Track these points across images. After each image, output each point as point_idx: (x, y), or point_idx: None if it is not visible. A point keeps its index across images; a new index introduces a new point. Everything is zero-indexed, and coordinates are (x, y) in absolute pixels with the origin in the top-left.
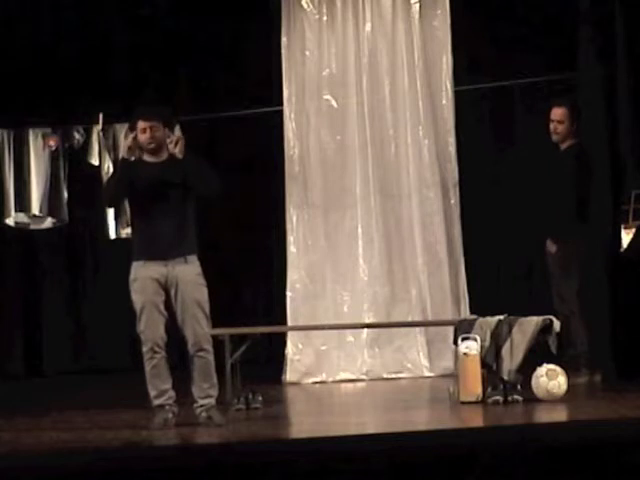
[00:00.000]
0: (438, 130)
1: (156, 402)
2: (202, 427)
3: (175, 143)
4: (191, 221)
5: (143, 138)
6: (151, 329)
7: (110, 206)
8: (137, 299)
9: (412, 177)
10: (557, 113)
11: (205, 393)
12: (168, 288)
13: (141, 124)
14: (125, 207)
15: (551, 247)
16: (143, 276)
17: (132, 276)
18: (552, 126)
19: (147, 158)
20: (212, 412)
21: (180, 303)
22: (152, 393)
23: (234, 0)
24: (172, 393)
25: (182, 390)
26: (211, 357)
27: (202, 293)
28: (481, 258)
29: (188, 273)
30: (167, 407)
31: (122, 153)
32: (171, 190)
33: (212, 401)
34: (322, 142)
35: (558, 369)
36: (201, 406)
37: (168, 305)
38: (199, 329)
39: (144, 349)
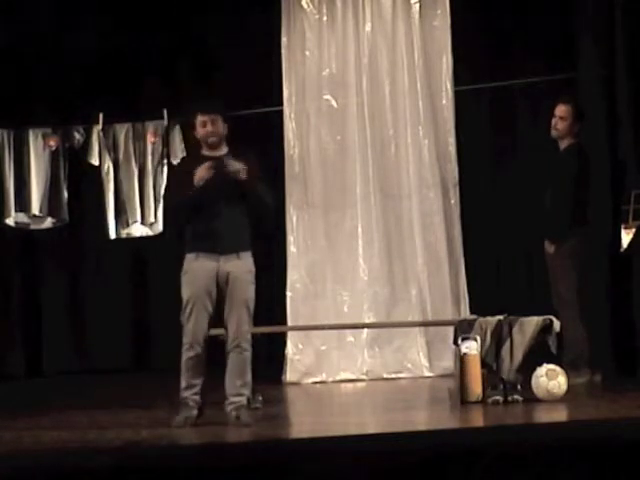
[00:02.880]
0: (438, 130)
1: (183, 394)
2: (202, 427)
3: (242, 172)
4: (246, 217)
5: (203, 132)
6: (193, 323)
7: (180, 222)
8: (185, 291)
9: (412, 177)
10: (560, 109)
11: (237, 391)
12: (219, 282)
13: (200, 117)
14: (125, 207)
15: (549, 248)
16: (195, 269)
17: (184, 268)
18: (553, 121)
19: (206, 152)
20: (241, 412)
21: (228, 299)
22: (182, 384)
23: (234, 0)
24: (198, 390)
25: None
26: (248, 354)
27: (250, 291)
28: (481, 258)
29: (239, 269)
30: (192, 404)
31: (196, 181)
32: (229, 185)
33: (243, 400)
34: (322, 142)
35: (558, 369)
36: (231, 403)
37: (218, 299)
38: (241, 327)
39: (184, 340)
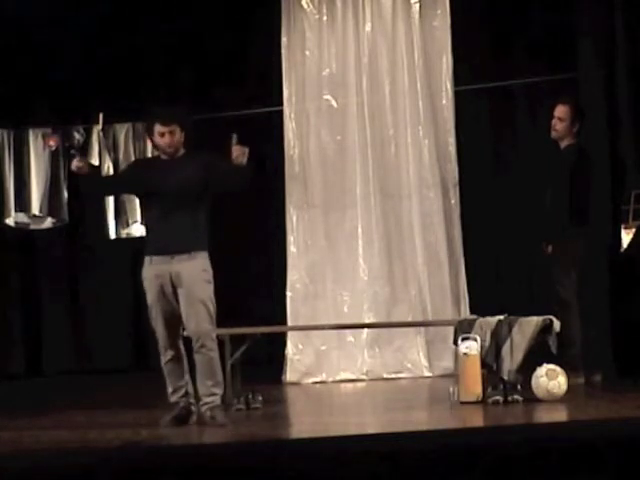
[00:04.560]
0: (438, 130)
1: (172, 398)
2: (202, 427)
3: (241, 154)
4: (202, 218)
5: (161, 142)
6: (159, 328)
7: (86, 194)
8: (147, 296)
9: (412, 177)
10: (559, 110)
11: (209, 391)
12: (174, 284)
13: (159, 128)
14: (125, 207)
15: (546, 248)
16: (150, 276)
17: (142, 273)
18: (552, 122)
19: (163, 156)
20: (215, 412)
21: (183, 300)
22: (169, 389)
23: (234, 0)
24: (185, 391)
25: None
26: (214, 354)
27: (205, 290)
28: (481, 258)
29: (192, 270)
30: (182, 404)
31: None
32: (185, 187)
33: (216, 399)
34: (322, 142)
35: (558, 369)
36: (205, 404)
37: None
38: (201, 327)
39: (158, 345)
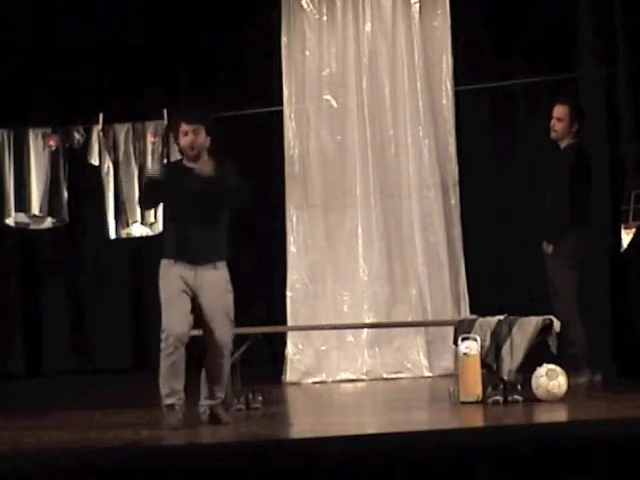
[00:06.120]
0: (438, 130)
1: (167, 401)
2: (202, 427)
3: (205, 166)
4: (224, 227)
5: (184, 142)
6: (173, 323)
7: (147, 209)
8: (163, 294)
9: (412, 177)
10: (558, 110)
11: (213, 395)
12: (195, 291)
13: (184, 127)
14: (125, 207)
15: (547, 248)
16: (169, 277)
17: (161, 273)
18: (552, 122)
19: (187, 163)
20: (218, 410)
21: (205, 309)
22: (164, 391)
23: (234, 0)
24: (182, 395)
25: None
26: (227, 363)
27: (228, 300)
28: (481, 258)
29: (215, 280)
30: (177, 407)
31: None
32: (207, 195)
33: (218, 401)
34: (322, 142)
35: (558, 369)
36: (207, 404)
37: (193, 306)
38: (223, 337)
39: (163, 345)
